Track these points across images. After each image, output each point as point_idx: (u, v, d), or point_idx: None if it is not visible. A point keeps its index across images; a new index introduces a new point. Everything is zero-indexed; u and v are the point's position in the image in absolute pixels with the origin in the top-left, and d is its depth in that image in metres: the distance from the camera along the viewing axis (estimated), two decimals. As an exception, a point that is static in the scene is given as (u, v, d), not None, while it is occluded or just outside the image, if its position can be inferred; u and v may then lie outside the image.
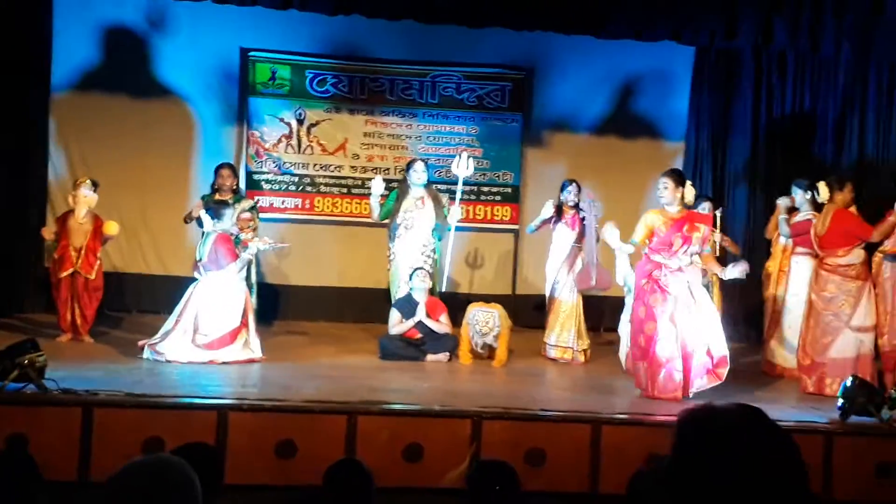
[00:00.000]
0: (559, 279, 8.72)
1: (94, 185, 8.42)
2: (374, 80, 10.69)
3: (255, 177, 10.52)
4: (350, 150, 10.70)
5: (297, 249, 10.03)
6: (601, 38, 8.88)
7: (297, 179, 10.62)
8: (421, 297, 8.42)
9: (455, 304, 9.06)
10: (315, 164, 10.66)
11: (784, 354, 8.36)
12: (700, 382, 6.90)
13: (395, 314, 8.49)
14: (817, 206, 8.02)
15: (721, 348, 6.94)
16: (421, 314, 8.36)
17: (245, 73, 10.47)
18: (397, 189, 9.03)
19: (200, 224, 8.25)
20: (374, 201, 8.90)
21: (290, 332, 9.51)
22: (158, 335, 7.63)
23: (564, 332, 8.61)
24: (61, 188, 9.84)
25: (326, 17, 8.72)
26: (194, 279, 7.89)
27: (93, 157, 10.00)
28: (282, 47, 10.49)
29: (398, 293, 8.70)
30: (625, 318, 8.13)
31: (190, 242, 9.19)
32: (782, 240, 8.67)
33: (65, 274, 8.24)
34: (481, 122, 10.85)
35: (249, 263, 8.44)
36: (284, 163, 10.59)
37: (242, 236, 8.59)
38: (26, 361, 5.84)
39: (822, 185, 7.87)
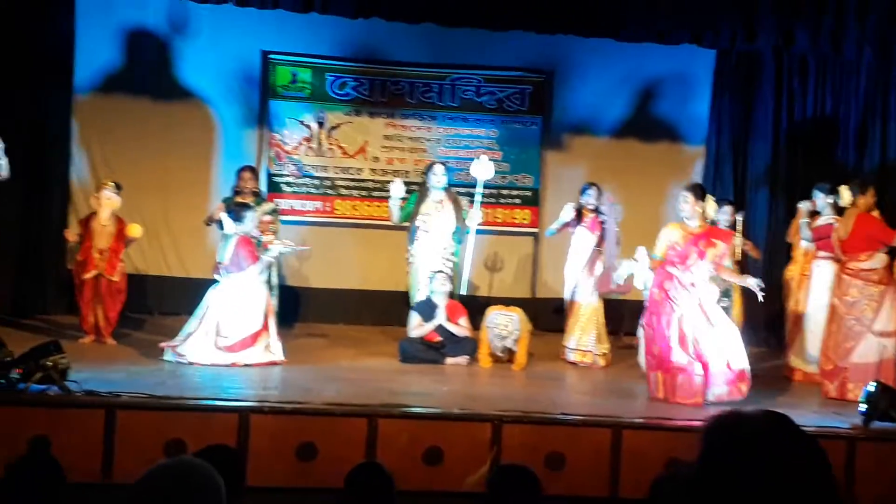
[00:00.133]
0: (579, 282, 8.71)
1: (118, 187, 8.48)
2: (394, 83, 10.71)
3: (276, 179, 10.55)
4: (370, 153, 10.72)
5: (318, 252, 10.07)
6: (621, 40, 8.86)
7: (317, 182, 10.65)
8: (441, 301, 8.42)
9: (475, 307, 9.06)
10: (335, 167, 10.68)
11: (806, 359, 8.32)
12: (719, 391, 6.88)
13: (414, 317, 8.50)
14: (839, 211, 7.98)
15: (741, 362, 6.92)
16: (441, 317, 8.37)
17: (266, 76, 10.51)
18: (417, 192, 9.04)
19: (222, 226, 8.29)
20: (394, 204, 8.91)
21: (311, 334, 9.53)
22: (180, 337, 7.66)
23: (584, 336, 8.60)
24: (83, 190, 9.91)
25: (347, 20, 8.73)
26: (215, 281, 7.93)
27: (115, 159, 10.06)
28: (302, 50, 10.52)
29: (418, 296, 8.71)
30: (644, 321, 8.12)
31: (211, 245, 9.23)
32: (804, 244, 8.63)
33: (88, 276, 8.30)
34: (501, 125, 10.85)
35: (270, 266, 8.47)
36: (305, 165, 10.62)
37: (263, 239, 8.62)
38: (49, 363, 5.89)
39: (844, 189, 7.83)
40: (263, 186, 10.02)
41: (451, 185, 9.16)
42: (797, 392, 7.90)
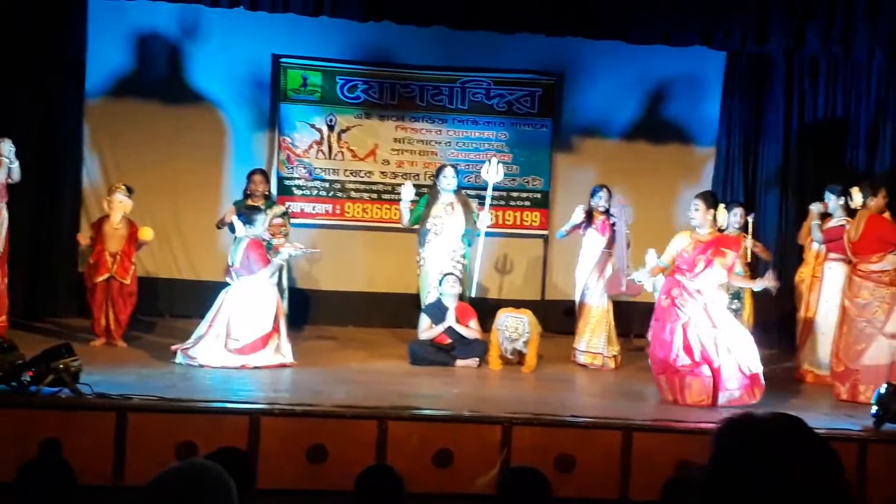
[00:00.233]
0: (589, 285, 8.70)
1: (129, 190, 8.51)
2: (404, 85, 10.72)
3: (287, 182, 10.57)
4: (380, 156, 10.72)
5: (328, 255, 10.08)
6: (631, 42, 8.85)
7: (327, 185, 10.67)
8: (451, 303, 8.43)
9: (484, 309, 9.07)
10: (345, 170, 10.70)
11: (817, 361, 8.29)
12: (730, 395, 6.87)
13: (424, 319, 8.50)
14: (850, 212, 7.96)
15: (754, 366, 6.92)
16: (451, 319, 8.37)
17: (276, 80, 10.53)
18: (427, 195, 9.05)
19: (233, 229, 8.31)
20: (404, 207, 8.92)
21: (321, 336, 9.54)
22: (191, 340, 7.68)
23: (595, 338, 8.59)
24: (95, 193, 9.95)
25: (357, 23, 8.76)
26: (226, 284, 7.95)
27: (126, 162, 10.10)
28: (313, 54, 10.54)
29: (428, 298, 8.72)
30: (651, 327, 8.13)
31: (222, 247, 9.25)
32: (815, 246, 8.61)
33: (100, 279, 8.33)
34: (511, 127, 10.85)
35: (281, 268, 8.48)
36: (315, 168, 10.64)
37: (274, 242, 8.64)
38: (61, 366, 5.91)
39: (855, 191, 7.81)
40: (274, 189, 10.03)
41: (461, 187, 9.17)
42: (808, 394, 7.88)
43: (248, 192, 9.12)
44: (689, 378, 6.88)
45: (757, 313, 8.83)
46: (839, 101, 10.26)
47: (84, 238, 8.75)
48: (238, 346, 7.61)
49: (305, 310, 10.21)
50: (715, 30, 8.64)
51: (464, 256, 8.89)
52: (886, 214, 7.76)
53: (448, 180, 8.89)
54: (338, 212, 10.68)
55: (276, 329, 7.79)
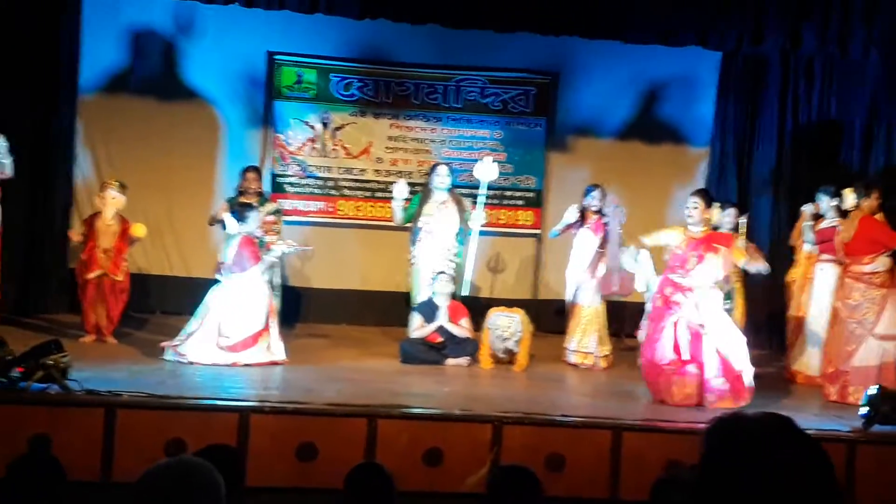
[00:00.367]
0: (581, 284, 8.71)
1: (122, 186, 8.48)
2: (398, 83, 10.71)
3: (280, 180, 10.56)
4: (374, 154, 10.72)
5: (320, 252, 10.07)
6: (627, 42, 8.86)
7: (321, 183, 10.66)
8: (442, 301, 8.42)
9: (476, 308, 9.06)
10: (339, 168, 10.68)
11: (807, 362, 8.31)
12: (716, 395, 6.88)
13: (416, 318, 8.50)
14: (843, 214, 7.98)
15: (744, 369, 6.91)
16: (442, 318, 8.37)
17: (271, 77, 10.51)
18: (420, 193, 9.04)
19: (225, 226, 8.30)
20: (398, 205, 8.92)
21: (312, 334, 9.54)
22: (181, 337, 7.66)
23: (586, 338, 8.60)
24: (87, 189, 9.92)
25: (352, 20, 8.75)
26: (218, 281, 7.93)
27: (119, 158, 10.07)
28: (308, 51, 10.52)
29: (420, 297, 8.71)
30: (645, 324, 8.13)
31: (214, 244, 9.23)
32: (807, 247, 8.62)
33: (93, 275, 8.30)
34: (505, 126, 10.84)
35: (273, 266, 8.47)
36: (309, 166, 10.62)
37: (266, 239, 8.62)
38: (50, 362, 5.89)
39: (848, 192, 7.83)
40: (267, 187, 10.02)
41: (454, 186, 9.16)
42: (798, 395, 7.89)
43: (241, 189, 9.11)
44: (675, 377, 6.90)
45: (748, 314, 8.84)
46: (833, 102, 10.29)
47: (76, 234, 8.72)
48: (229, 344, 7.60)
49: (297, 307, 10.21)
50: (711, 30, 8.66)
51: (456, 255, 8.89)
52: (879, 216, 7.77)
53: (441, 179, 8.89)
54: (331, 209, 10.67)
55: (267, 327, 7.78)
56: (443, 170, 8.97)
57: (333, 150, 10.67)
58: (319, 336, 9.49)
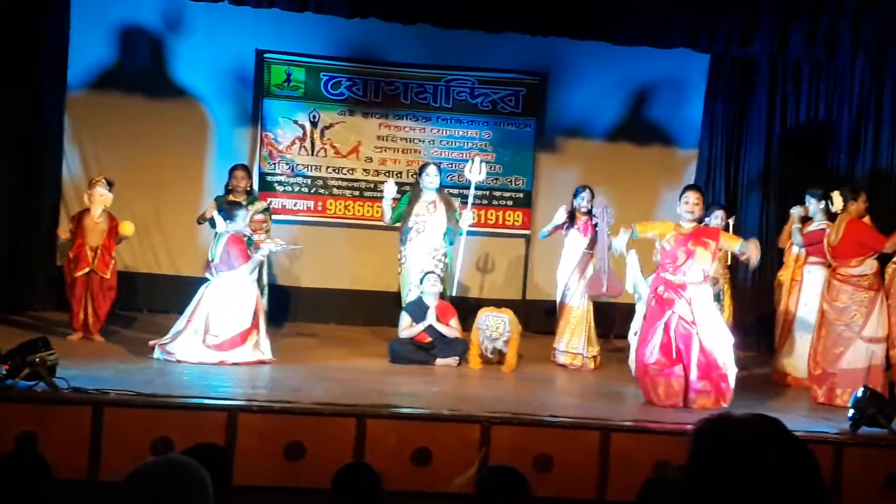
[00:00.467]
0: (570, 285, 8.71)
1: (110, 184, 8.45)
2: (388, 83, 10.70)
3: (268, 178, 10.54)
4: (363, 153, 10.71)
5: (309, 251, 10.05)
6: (616, 44, 8.88)
7: (309, 182, 10.64)
8: (431, 301, 8.42)
9: (465, 308, 9.07)
10: (328, 167, 10.67)
11: (795, 364, 8.33)
12: (700, 396, 6.87)
13: (405, 318, 8.49)
14: (831, 216, 8.00)
15: (727, 368, 6.91)
16: (431, 318, 8.36)
17: (260, 75, 10.49)
18: (409, 193, 9.03)
19: (213, 225, 8.27)
20: (387, 204, 8.92)
21: (301, 334, 9.52)
22: (169, 335, 7.64)
23: (574, 339, 8.61)
24: (75, 186, 9.88)
25: (342, 19, 8.74)
26: (206, 280, 7.91)
27: (107, 156, 10.04)
28: (297, 49, 10.52)
29: (409, 297, 8.70)
30: (634, 325, 8.12)
31: (202, 243, 9.22)
32: (795, 249, 8.65)
33: (80, 273, 8.26)
34: (495, 126, 10.85)
35: (261, 265, 8.45)
36: (297, 165, 10.61)
37: (255, 238, 8.60)
38: (37, 360, 5.86)
39: (836, 195, 7.85)
40: (256, 185, 9.99)
41: (443, 186, 9.17)
42: (786, 396, 7.92)
43: (230, 188, 9.07)
44: (661, 378, 6.90)
45: (736, 315, 8.88)
46: (822, 105, 10.32)
47: (64, 232, 8.69)
48: (217, 342, 7.57)
49: (285, 306, 10.19)
50: (700, 32, 8.67)
51: (445, 255, 8.88)
52: (866, 219, 7.81)
53: (431, 178, 8.88)
54: (319, 208, 10.66)
55: (255, 325, 7.76)
56: (432, 170, 8.96)
57: (322, 149, 10.66)
58: (308, 335, 9.47)
